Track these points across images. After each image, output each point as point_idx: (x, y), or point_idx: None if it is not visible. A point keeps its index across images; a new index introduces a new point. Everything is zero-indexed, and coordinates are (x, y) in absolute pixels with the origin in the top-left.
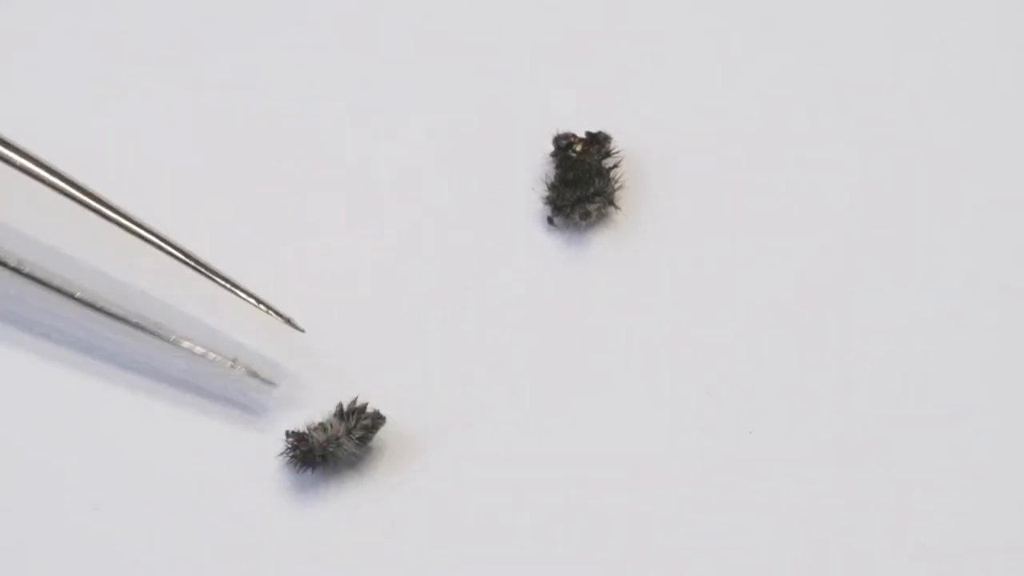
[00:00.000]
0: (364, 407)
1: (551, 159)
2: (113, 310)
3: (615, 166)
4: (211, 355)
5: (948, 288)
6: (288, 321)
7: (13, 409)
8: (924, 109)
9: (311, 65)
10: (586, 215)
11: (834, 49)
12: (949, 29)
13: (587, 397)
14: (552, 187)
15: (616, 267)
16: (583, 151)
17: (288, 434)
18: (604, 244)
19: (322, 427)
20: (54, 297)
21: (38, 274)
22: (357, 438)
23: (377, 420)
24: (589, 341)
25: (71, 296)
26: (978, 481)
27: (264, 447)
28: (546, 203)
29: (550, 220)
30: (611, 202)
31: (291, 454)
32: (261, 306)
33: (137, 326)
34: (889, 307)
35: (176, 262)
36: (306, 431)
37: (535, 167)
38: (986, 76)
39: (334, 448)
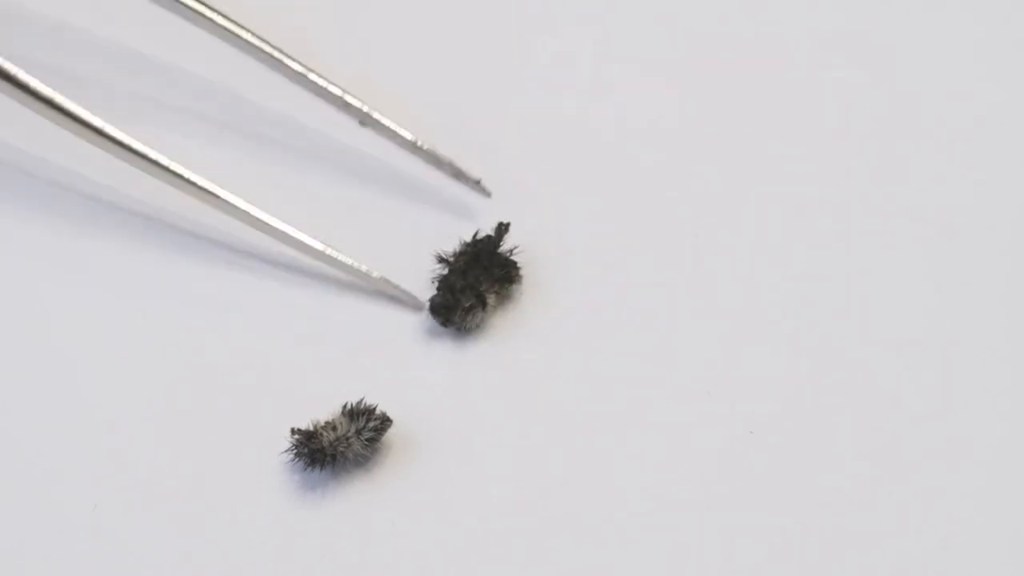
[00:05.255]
0: (373, 408)
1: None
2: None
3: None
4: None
5: (951, 287)
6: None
7: (13, 408)
8: (917, 115)
9: None
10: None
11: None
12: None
13: (588, 398)
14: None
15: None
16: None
17: (294, 431)
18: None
19: (331, 426)
20: None
21: None
22: (366, 439)
23: (385, 423)
24: (590, 343)
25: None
26: (982, 479)
27: (266, 444)
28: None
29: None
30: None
31: (298, 452)
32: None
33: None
34: (891, 306)
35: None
36: (314, 429)
37: None
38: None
39: (344, 448)
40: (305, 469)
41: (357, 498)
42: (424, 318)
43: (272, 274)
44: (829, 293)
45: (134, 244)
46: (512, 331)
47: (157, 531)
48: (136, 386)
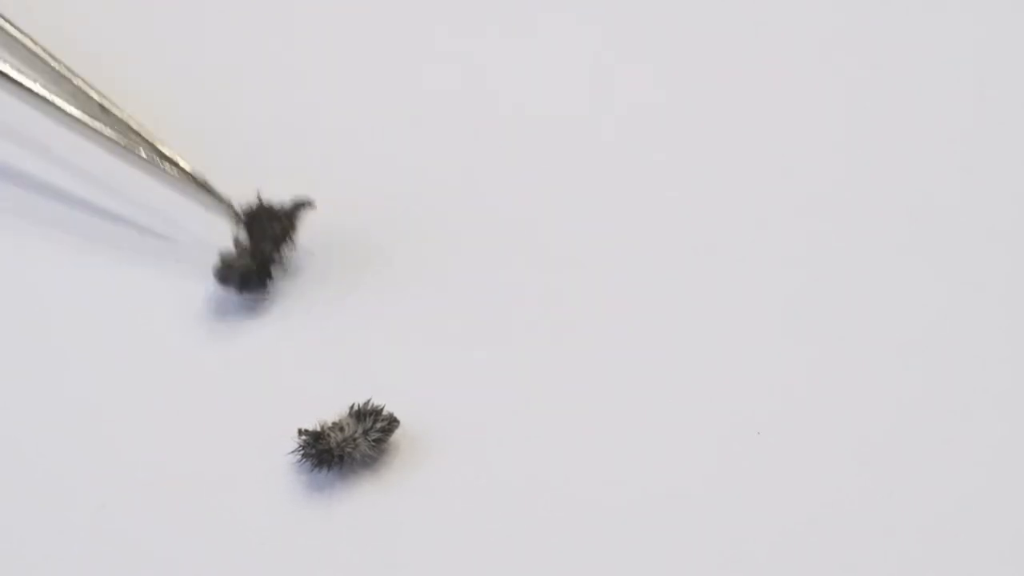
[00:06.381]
0: (380, 409)
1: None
2: None
3: None
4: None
5: (951, 287)
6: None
7: (18, 409)
8: (918, 116)
9: None
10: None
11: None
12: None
13: (596, 399)
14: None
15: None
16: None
17: (301, 432)
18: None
19: (338, 427)
20: None
21: None
22: (373, 440)
23: (392, 423)
24: (595, 344)
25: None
26: (982, 479)
27: (273, 445)
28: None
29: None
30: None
31: (305, 453)
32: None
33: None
34: (893, 306)
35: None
36: (321, 430)
37: None
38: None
39: (351, 449)
40: (312, 470)
41: (364, 499)
42: (432, 317)
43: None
44: (830, 293)
45: (136, 244)
46: (518, 332)
47: (163, 531)
48: (142, 387)
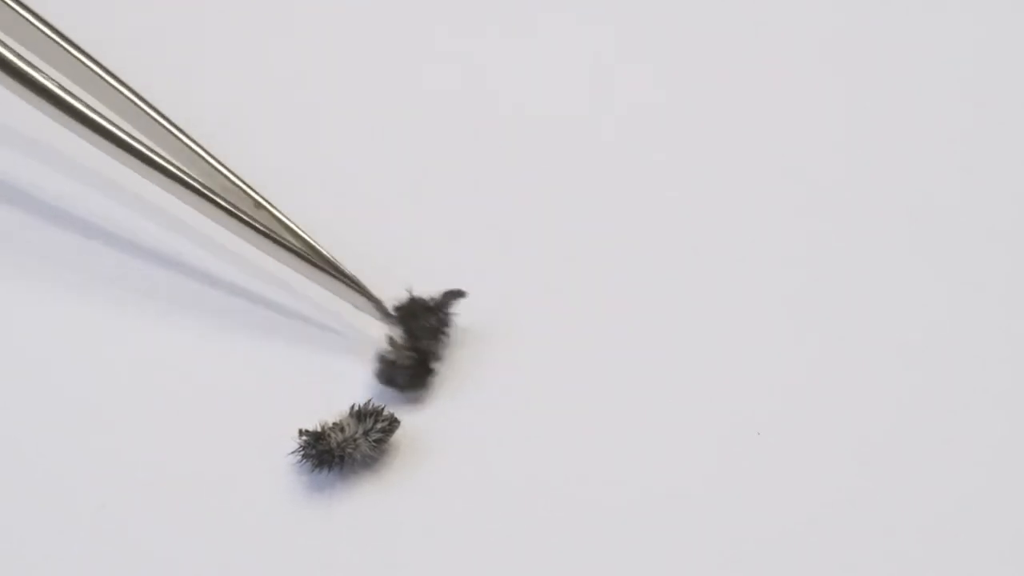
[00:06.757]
0: (381, 409)
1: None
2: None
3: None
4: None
5: (951, 288)
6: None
7: (21, 409)
8: (918, 116)
9: None
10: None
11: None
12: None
13: (595, 400)
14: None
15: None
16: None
17: (302, 432)
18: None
19: (338, 427)
20: None
21: None
22: (374, 440)
23: (393, 423)
24: (595, 344)
25: None
26: (982, 479)
27: (274, 446)
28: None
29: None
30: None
31: (306, 453)
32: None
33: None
34: (892, 307)
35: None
36: (322, 431)
37: None
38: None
39: (352, 449)
40: (313, 470)
41: (364, 499)
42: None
43: (279, 276)
44: (830, 293)
45: (138, 246)
46: (519, 333)
47: (163, 531)
48: (144, 388)
